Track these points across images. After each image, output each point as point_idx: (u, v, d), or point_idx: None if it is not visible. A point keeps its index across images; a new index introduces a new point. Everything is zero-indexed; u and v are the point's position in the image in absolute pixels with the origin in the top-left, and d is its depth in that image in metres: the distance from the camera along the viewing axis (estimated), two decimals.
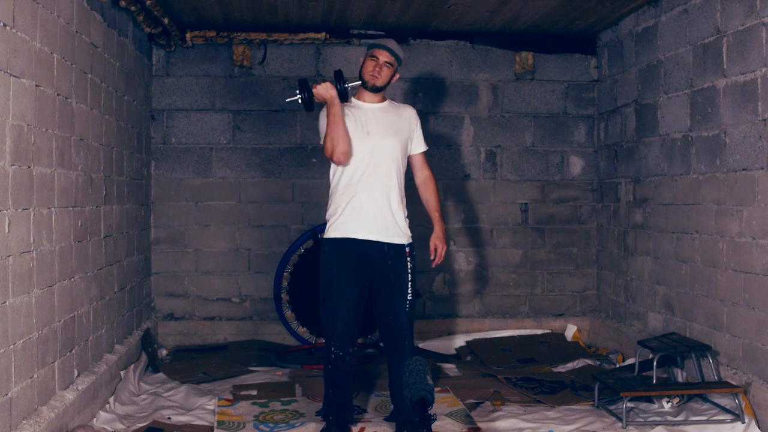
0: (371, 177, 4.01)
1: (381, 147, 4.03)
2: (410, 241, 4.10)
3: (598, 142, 6.75)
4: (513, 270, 6.76)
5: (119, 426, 4.25)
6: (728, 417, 4.29)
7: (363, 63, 4.11)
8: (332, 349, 4.01)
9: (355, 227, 4.00)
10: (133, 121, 5.62)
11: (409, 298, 4.04)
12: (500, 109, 6.73)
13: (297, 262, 6.40)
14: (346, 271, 4.00)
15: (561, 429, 4.27)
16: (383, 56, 4.07)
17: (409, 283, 4.04)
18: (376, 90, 4.10)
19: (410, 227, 4.14)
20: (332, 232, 4.05)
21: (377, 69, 4.05)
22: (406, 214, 4.11)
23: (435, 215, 4.23)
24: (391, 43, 4.12)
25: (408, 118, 4.18)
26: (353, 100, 4.18)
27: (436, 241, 4.16)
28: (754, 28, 4.31)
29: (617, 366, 5.58)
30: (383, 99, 4.19)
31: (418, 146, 4.22)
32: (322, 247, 4.09)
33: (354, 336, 4.11)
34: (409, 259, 4.06)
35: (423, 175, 4.26)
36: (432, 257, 4.16)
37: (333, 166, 4.09)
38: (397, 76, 4.15)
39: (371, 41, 4.23)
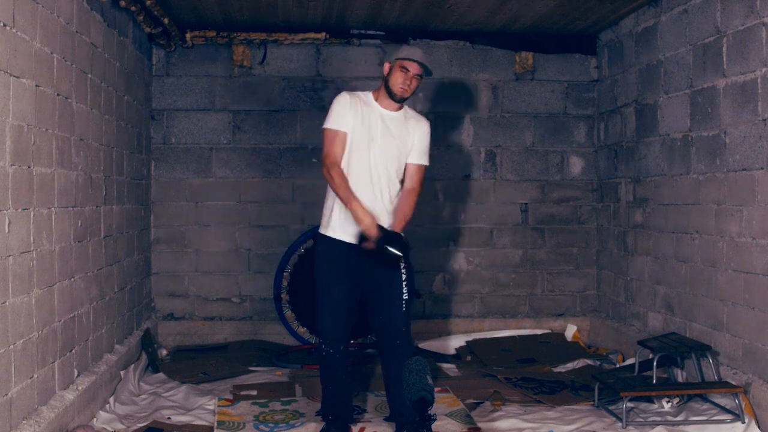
0: (369, 181, 3.97)
1: (382, 154, 3.98)
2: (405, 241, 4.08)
3: (598, 142, 6.75)
4: (513, 270, 6.76)
5: (119, 426, 4.25)
6: (728, 417, 4.29)
7: (390, 72, 3.96)
8: (323, 346, 4.02)
9: (350, 229, 3.95)
10: (133, 121, 5.62)
11: (404, 297, 4.01)
12: (500, 109, 6.73)
13: (297, 262, 6.40)
14: (339, 270, 3.99)
15: (561, 429, 4.27)
16: (414, 69, 3.93)
17: (404, 283, 4.01)
18: (401, 101, 4.00)
19: (408, 228, 4.11)
20: (327, 230, 4.03)
21: (407, 82, 3.93)
22: None
23: (401, 222, 3.99)
24: (421, 56, 3.95)
25: (416, 130, 4.07)
26: (370, 97, 4.05)
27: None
28: (754, 28, 4.31)
29: (617, 366, 5.58)
30: (400, 108, 4.08)
31: (417, 158, 4.09)
32: (317, 244, 4.09)
33: (348, 334, 4.09)
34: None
35: (409, 185, 4.09)
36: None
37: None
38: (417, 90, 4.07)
39: (403, 51, 3.96)
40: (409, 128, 4.07)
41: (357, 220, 3.85)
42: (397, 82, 3.93)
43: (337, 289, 3.99)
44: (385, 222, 3.96)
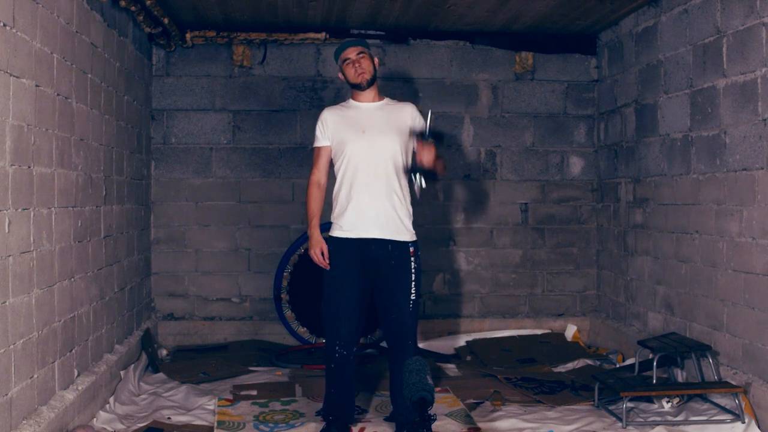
0: (370, 175, 4.01)
1: (377, 145, 4.04)
2: (414, 239, 4.10)
3: (598, 142, 6.75)
4: (513, 270, 6.76)
5: (119, 426, 4.25)
6: (728, 417, 4.29)
7: (344, 75, 4.14)
8: (336, 348, 4.02)
9: (358, 227, 4.01)
10: (133, 121, 5.62)
11: (412, 298, 4.04)
12: (500, 109, 6.73)
13: (297, 262, 6.40)
14: (349, 270, 4.02)
15: (561, 429, 4.27)
16: (353, 53, 4.10)
17: (413, 283, 4.04)
18: (370, 84, 4.11)
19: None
20: (336, 231, 4.07)
21: (357, 65, 4.07)
22: (410, 211, 4.12)
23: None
24: (349, 41, 4.19)
25: (406, 113, 4.17)
26: (350, 101, 4.20)
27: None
28: (754, 28, 4.31)
29: (617, 366, 5.58)
30: (380, 98, 4.19)
31: None
32: (327, 245, 4.10)
33: (359, 334, 4.12)
34: (413, 258, 4.06)
35: None
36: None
37: (337, 166, 4.10)
38: (376, 59, 4.19)
39: (337, 53, 4.20)
40: (397, 111, 4.17)
41: (310, 243, 4.10)
42: (351, 74, 4.10)
43: (350, 290, 4.01)
44: (390, 214, 4.02)
